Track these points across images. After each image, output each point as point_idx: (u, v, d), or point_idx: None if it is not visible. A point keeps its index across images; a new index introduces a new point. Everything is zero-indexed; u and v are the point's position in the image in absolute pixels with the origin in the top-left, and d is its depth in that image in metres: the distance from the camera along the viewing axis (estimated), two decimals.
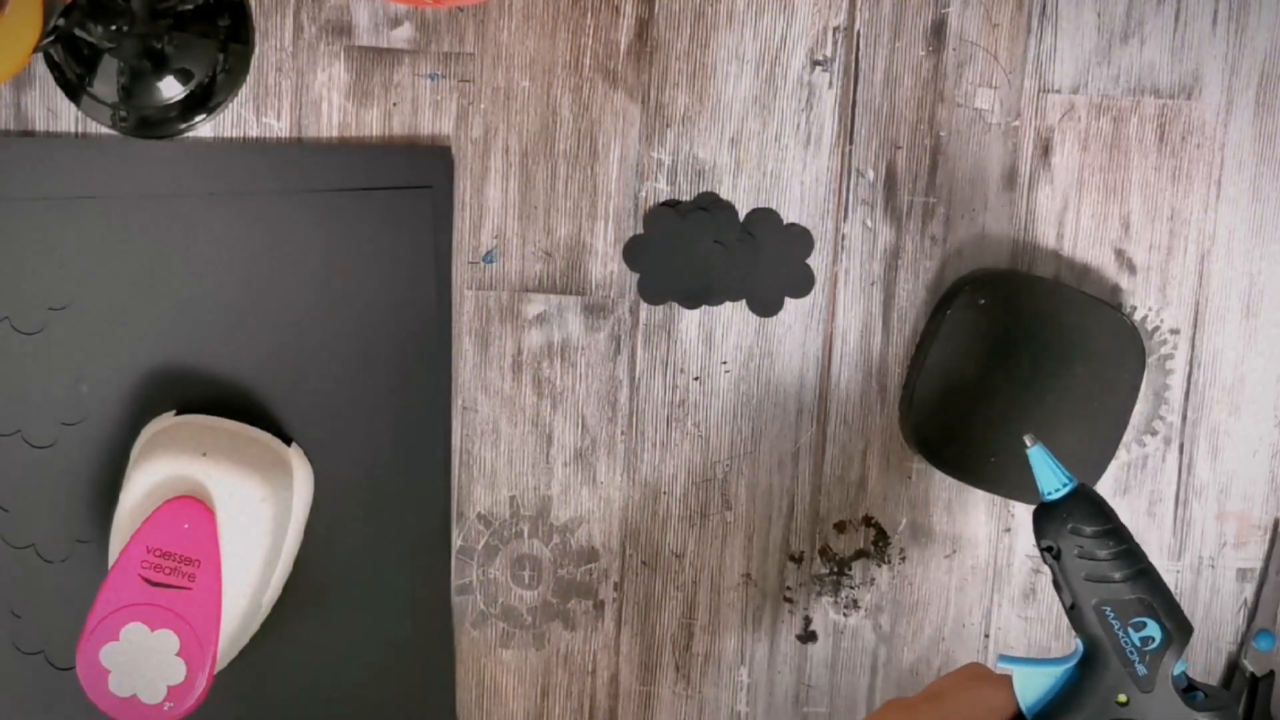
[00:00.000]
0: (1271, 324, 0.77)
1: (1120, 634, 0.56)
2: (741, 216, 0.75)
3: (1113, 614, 0.57)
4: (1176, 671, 0.56)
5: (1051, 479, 0.59)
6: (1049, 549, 0.58)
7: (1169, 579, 0.78)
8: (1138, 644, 0.56)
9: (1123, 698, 0.56)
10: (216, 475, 0.67)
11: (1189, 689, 0.57)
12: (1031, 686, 0.58)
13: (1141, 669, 0.56)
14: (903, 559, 0.78)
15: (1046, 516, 0.58)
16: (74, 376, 0.73)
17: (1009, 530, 0.78)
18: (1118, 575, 0.57)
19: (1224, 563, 0.79)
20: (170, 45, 0.71)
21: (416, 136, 0.74)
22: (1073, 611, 0.58)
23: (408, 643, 0.76)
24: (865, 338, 0.76)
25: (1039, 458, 0.59)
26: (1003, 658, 0.58)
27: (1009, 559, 0.78)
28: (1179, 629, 0.57)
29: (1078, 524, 0.57)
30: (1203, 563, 0.79)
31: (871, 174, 0.75)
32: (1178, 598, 0.81)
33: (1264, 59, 0.76)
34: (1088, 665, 0.57)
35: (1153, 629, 0.56)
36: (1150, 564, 0.58)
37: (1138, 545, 0.58)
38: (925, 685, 0.79)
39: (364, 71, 0.73)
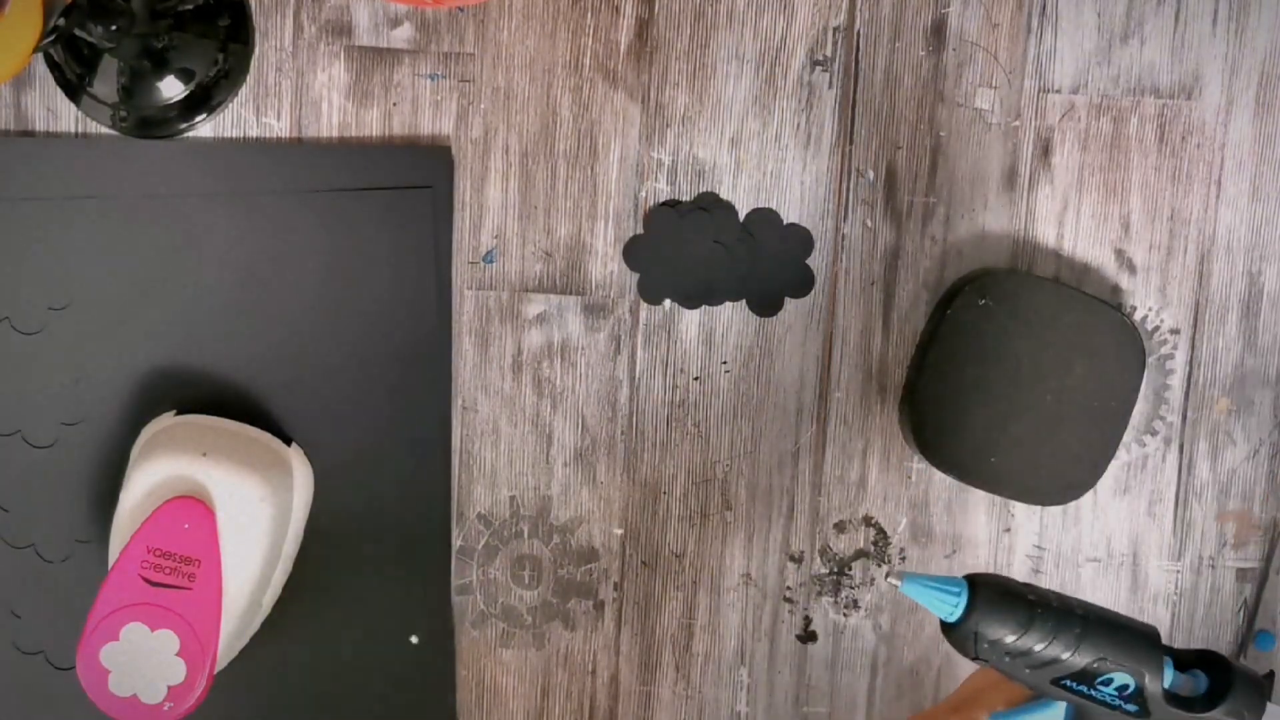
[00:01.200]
0: (1271, 324, 0.77)
1: (1092, 694, 0.53)
2: (741, 216, 0.75)
3: (1075, 684, 0.53)
4: (1167, 685, 0.54)
5: (940, 604, 0.54)
6: (979, 659, 0.54)
7: (1169, 579, 0.78)
8: (1115, 693, 0.53)
9: None
10: (216, 475, 0.67)
11: (1186, 671, 0.55)
12: None
13: (1131, 707, 0.53)
14: (903, 559, 0.78)
15: (957, 638, 0.54)
16: (74, 376, 0.73)
17: (1009, 530, 0.78)
18: (1063, 655, 0.53)
19: (1224, 563, 0.79)
20: (170, 45, 0.71)
21: (416, 136, 0.74)
22: (1037, 690, 0.54)
23: (407, 642, 0.76)
24: (865, 338, 0.76)
25: (915, 589, 0.54)
26: None
27: (1009, 559, 0.78)
28: (1146, 658, 0.53)
29: (993, 638, 0.53)
30: (1203, 563, 0.78)
31: (871, 174, 0.75)
32: (1175, 597, 0.81)
33: (1264, 59, 0.76)
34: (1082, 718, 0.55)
35: (1121, 677, 0.53)
36: (1084, 613, 0.54)
37: (1061, 603, 0.54)
38: (925, 684, 0.79)
39: (364, 71, 0.73)
